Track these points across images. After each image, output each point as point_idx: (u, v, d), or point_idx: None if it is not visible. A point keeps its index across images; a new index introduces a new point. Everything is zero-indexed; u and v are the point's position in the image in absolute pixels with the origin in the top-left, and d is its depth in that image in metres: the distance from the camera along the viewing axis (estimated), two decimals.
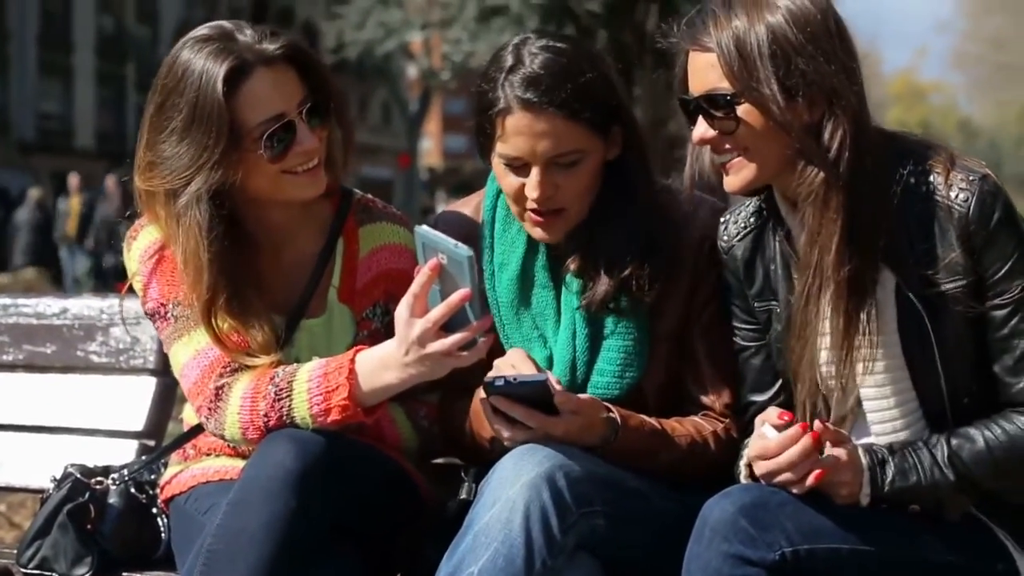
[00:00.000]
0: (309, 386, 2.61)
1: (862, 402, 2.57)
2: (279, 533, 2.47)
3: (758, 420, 2.50)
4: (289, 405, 2.62)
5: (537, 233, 2.73)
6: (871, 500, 2.45)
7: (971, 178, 2.47)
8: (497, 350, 2.73)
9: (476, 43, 16.00)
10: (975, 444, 2.47)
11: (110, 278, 18.54)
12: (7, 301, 3.60)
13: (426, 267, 2.50)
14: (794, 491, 2.41)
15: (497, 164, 2.71)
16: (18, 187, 29.22)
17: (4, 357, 3.56)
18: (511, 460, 2.49)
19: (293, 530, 2.48)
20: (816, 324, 2.52)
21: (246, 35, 2.69)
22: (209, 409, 2.72)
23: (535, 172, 2.65)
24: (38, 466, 3.31)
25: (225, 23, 2.74)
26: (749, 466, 2.52)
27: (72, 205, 21.21)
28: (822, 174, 2.44)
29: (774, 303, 2.65)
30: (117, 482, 2.96)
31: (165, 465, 3.03)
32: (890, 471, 2.45)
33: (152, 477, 3.02)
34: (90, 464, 3.02)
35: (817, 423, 2.42)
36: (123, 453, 3.29)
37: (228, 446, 2.84)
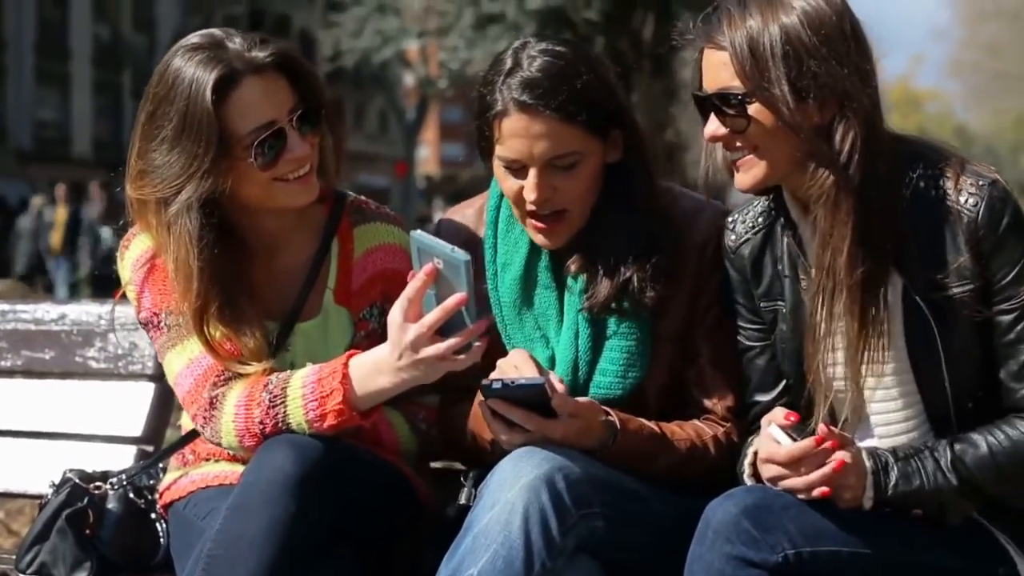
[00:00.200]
0: (303, 392, 2.62)
1: (867, 404, 2.57)
2: (279, 538, 2.47)
3: (764, 420, 2.51)
4: (284, 411, 2.63)
5: (539, 239, 2.74)
6: (874, 504, 2.45)
7: (981, 183, 2.47)
8: (500, 351, 2.73)
9: (473, 51, 16.02)
10: (978, 449, 2.47)
11: (97, 285, 18.42)
12: (5, 307, 3.59)
13: (421, 272, 2.51)
14: (799, 497, 2.42)
15: (497, 167, 2.72)
16: (15, 195, 29.22)
17: (2, 363, 3.55)
18: (510, 462, 2.49)
19: (293, 535, 2.48)
20: (827, 326, 2.52)
21: (236, 43, 2.69)
22: (204, 418, 2.72)
23: (532, 174, 2.66)
24: (37, 472, 3.30)
25: (215, 31, 2.74)
26: (753, 464, 2.52)
27: (58, 216, 21.09)
28: (832, 177, 2.44)
29: (780, 303, 2.65)
30: (116, 487, 2.95)
31: (164, 470, 3.02)
32: (893, 475, 2.45)
33: (151, 482, 3.01)
34: (89, 470, 3.02)
35: (821, 427, 2.42)
36: (121, 459, 3.28)
37: (227, 452, 2.84)
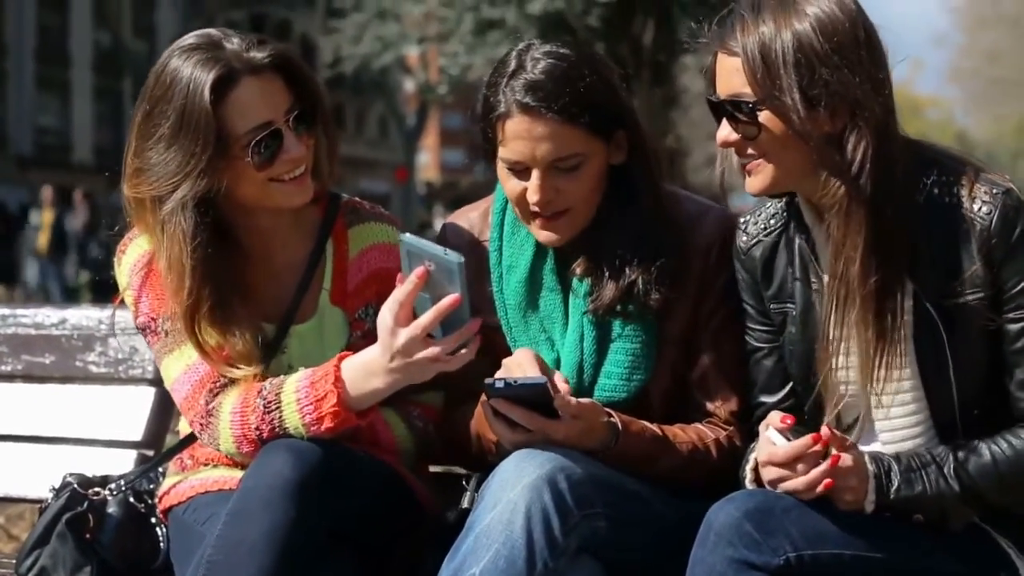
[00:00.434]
0: (298, 396, 2.62)
1: (873, 409, 2.57)
2: (279, 543, 2.47)
3: (762, 425, 2.51)
4: (280, 417, 2.63)
5: (542, 235, 2.74)
6: (875, 508, 2.45)
7: (995, 191, 2.47)
8: (505, 352, 2.74)
9: (473, 57, 16.02)
10: (982, 458, 2.47)
11: (97, 290, 18.37)
12: (6, 311, 3.59)
13: (413, 275, 2.51)
14: (801, 498, 2.42)
15: (500, 168, 2.73)
16: (16, 202, 29.24)
17: (3, 367, 3.55)
18: (512, 462, 2.50)
19: (292, 539, 2.48)
20: (840, 333, 2.51)
21: (233, 43, 2.70)
22: (202, 424, 2.73)
23: (535, 175, 2.66)
24: (37, 476, 3.30)
25: (212, 31, 2.75)
26: (755, 470, 2.52)
27: (44, 219, 21.05)
28: (844, 186, 2.43)
29: (790, 306, 2.65)
30: (116, 492, 2.95)
31: (164, 475, 3.02)
32: (896, 479, 2.45)
33: (151, 487, 3.01)
34: (89, 474, 3.01)
35: (824, 429, 2.42)
36: (122, 463, 3.28)
37: (225, 456, 2.84)
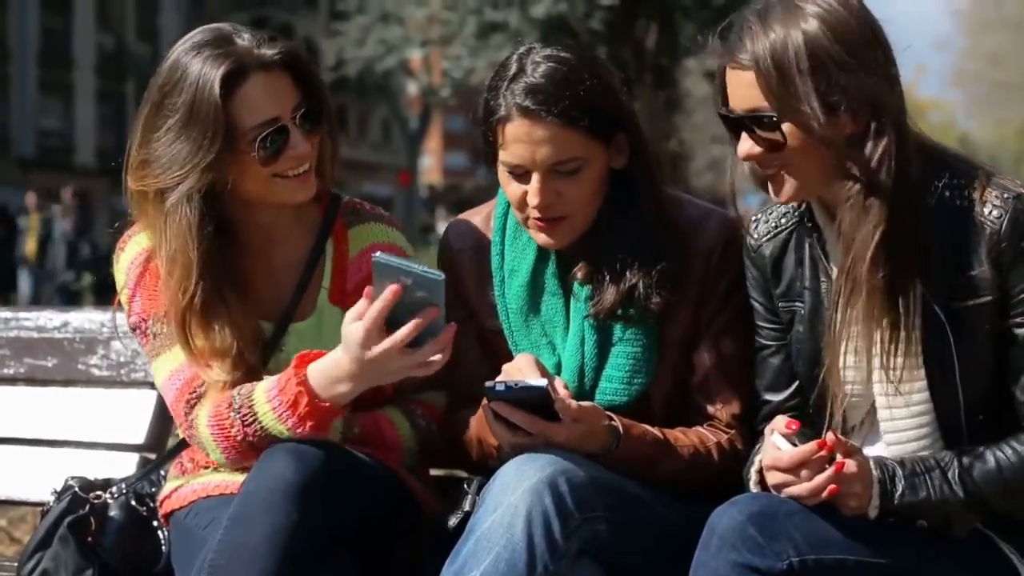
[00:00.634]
0: (272, 405, 2.63)
1: (879, 411, 2.57)
2: (280, 546, 2.47)
3: (767, 429, 2.50)
4: (262, 426, 2.64)
5: (542, 239, 2.75)
6: (879, 513, 2.44)
7: (1006, 196, 2.47)
8: (506, 356, 2.74)
9: (476, 60, 16.06)
10: (986, 464, 2.47)
11: (99, 293, 18.35)
12: (8, 314, 3.59)
13: (388, 291, 2.51)
14: (805, 503, 2.41)
15: (501, 172, 2.73)
16: (17, 204, 29.21)
17: (5, 370, 3.55)
18: (513, 466, 2.49)
19: (294, 543, 2.48)
20: (843, 329, 2.51)
21: (244, 39, 2.71)
22: (189, 435, 2.77)
23: (535, 179, 2.66)
24: (39, 479, 3.30)
25: (224, 26, 2.76)
26: (759, 472, 2.52)
27: (31, 224, 21.00)
28: (863, 181, 2.43)
29: (799, 304, 2.65)
30: (117, 495, 2.95)
31: (165, 478, 3.02)
32: (900, 485, 2.44)
33: (153, 490, 3.01)
34: (91, 477, 3.01)
35: (829, 435, 2.41)
36: (124, 466, 3.27)
37: None
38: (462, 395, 2.81)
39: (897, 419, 2.55)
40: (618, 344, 2.76)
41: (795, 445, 2.42)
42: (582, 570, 2.49)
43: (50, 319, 3.54)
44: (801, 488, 2.40)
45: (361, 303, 2.54)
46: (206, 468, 2.90)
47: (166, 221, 2.69)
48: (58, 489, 2.99)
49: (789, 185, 2.50)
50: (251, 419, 2.65)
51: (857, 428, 2.59)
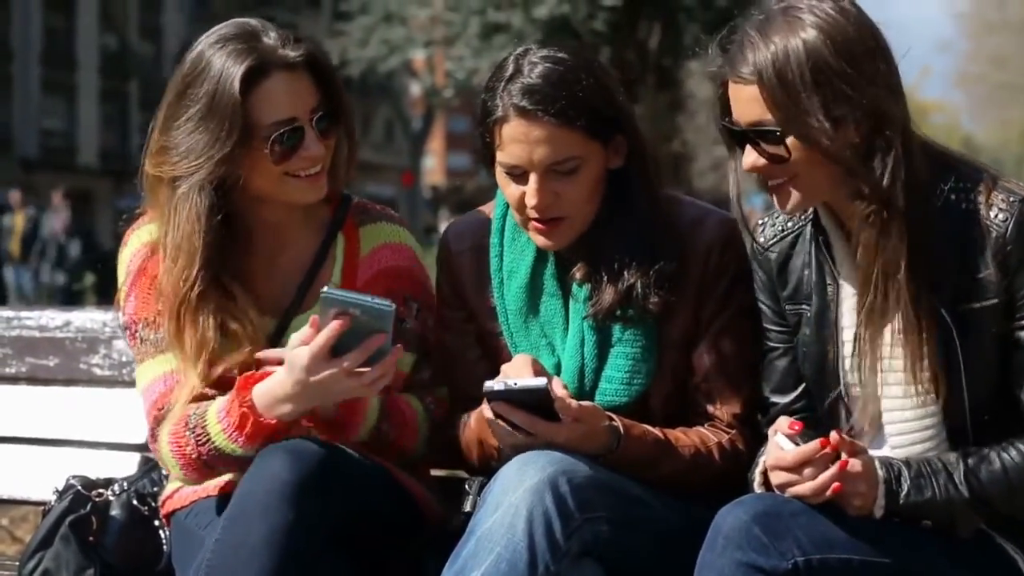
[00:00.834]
0: (222, 425, 2.66)
1: (883, 413, 2.57)
2: (278, 546, 2.47)
3: (771, 430, 2.50)
4: (215, 445, 2.67)
5: (540, 240, 2.74)
6: (884, 513, 2.44)
7: (1012, 199, 2.47)
8: (506, 358, 2.73)
9: (479, 60, 16.05)
10: (992, 465, 2.47)
11: (101, 292, 18.33)
12: (10, 314, 3.60)
13: (334, 323, 2.53)
14: (809, 502, 2.41)
15: (499, 173, 2.73)
16: None
17: (7, 370, 3.55)
18: (514, 466, 2.49)
19: (291, 543, 2.48)
20: (873, 341, 2.51)
21: (270, 37, 2.74)
22: (153, 449, 2.81)
23: (533, 180, 2.66)
24: (40, 479, 3.30)
25: (252, 21, 2.79)
26: (764, 473, 2.52)
27: (16, 222, 20.98)
28: (878, 195, 2.43)
29: (805, 307, 2.65)
30: (119, 494, 2.96)
31: (167, 477, 3.02)
32: (906, 485, 2.44)
33: (154, 489, 3.01)
34: (92, 476, 3.02)
35: (833, 434, 2.41)
36: (125, 465, 3.27)
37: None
38: (462, 396, 2.81)
39: (903, 421, 2.55)
40: (617, 345, 2.75)
41: (798, 444, 2.42)
42: (583, 570, 2.49)
43: (52, 319, 3.54)
44: (805, 487, 2.40)
45: (307, 330, 2.57)
46: None
47: (176, 208, 2.72)
48: (60, 488, 3.00)
49: (794, 197, 2.51)
50: (204, 439, 2.68)
51: (864, 430, 2.59)
